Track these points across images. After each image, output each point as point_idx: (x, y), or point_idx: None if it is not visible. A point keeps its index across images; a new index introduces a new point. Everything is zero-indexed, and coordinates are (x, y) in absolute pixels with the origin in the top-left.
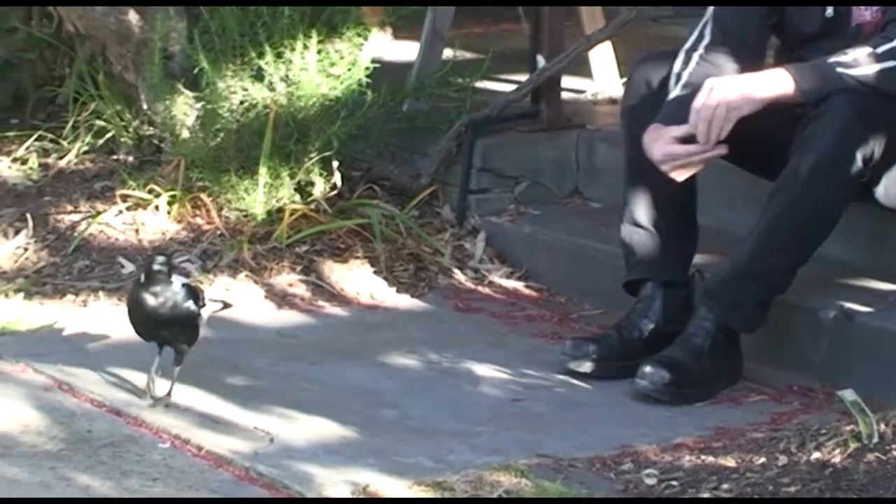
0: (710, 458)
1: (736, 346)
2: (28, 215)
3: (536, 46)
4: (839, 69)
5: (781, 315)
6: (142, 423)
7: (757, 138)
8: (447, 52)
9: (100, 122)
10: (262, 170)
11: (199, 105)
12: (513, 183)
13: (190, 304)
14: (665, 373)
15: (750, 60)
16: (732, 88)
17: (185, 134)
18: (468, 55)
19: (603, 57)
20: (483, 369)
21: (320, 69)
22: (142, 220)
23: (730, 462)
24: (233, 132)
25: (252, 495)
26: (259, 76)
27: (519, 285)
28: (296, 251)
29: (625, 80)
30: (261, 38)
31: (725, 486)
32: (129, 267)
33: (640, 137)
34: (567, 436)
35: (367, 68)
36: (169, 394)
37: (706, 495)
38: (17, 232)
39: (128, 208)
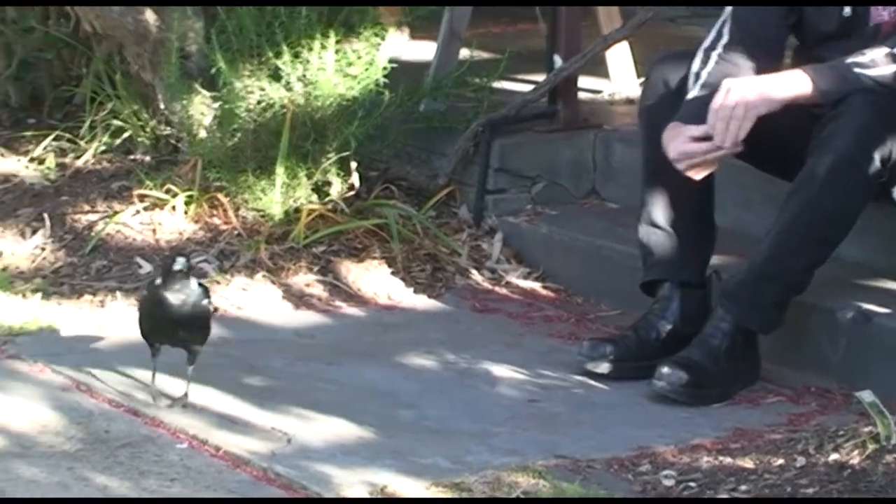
0: (728, 460)
1: (753, 347)
2: (45, 215)
3: (553, 46)
4: (857, 70)
5: (799, 316)
6: (159, 423)
7: (775, 139)
8: (464, 52)
9: (117, 122)
10: (280, 170)
11: (216, 105)
12: (530, 183)
13: (206, 303)
14: (682, 374)
15: (768, 60)
16: (750, 89)
17: (203, 134)
18: (485, 55)
19: (620, 57)
20: (500, 370)
21: (338, 69)
22: (159, 220)
23: (748, 463)
24: (250, 132)
25: (270, 496)
26: (276, 76)
27: (536, 286)
28: (313, 251)
29: (642, 80)
30: (278, 37)
31: (743, 487)
32: (146, 267)
33: (657, 138)
34: (585, 437)
35: (384, 68)
36: (186, 394)
37: (724, 496)
38: (34, 232)
39: (145, 208)
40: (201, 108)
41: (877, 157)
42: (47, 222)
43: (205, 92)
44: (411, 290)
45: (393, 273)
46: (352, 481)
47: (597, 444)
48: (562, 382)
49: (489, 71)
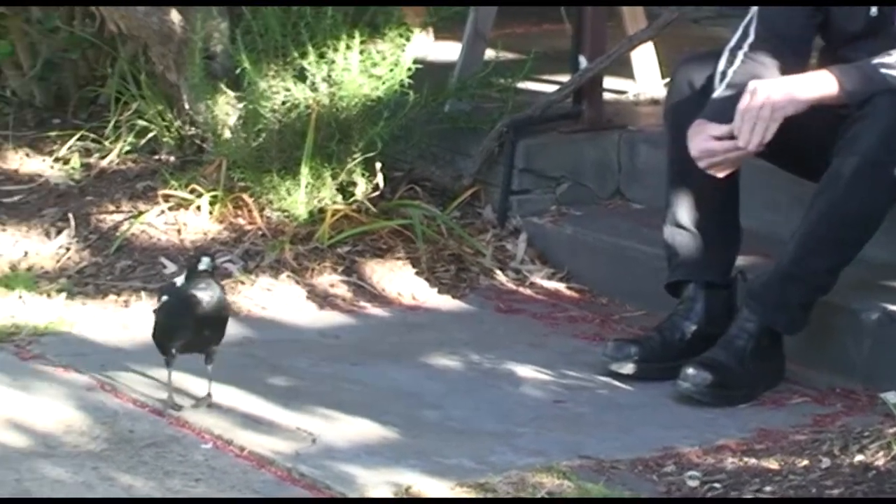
0: (753, 461)
1: (778, 348)
2: (70, 215)
3: (578, 47)
4: (883, 70)
5: (824, 317)
6: (184, 423)
7: (800, 140)
8: (489, 53)
9: (142, 122)
10: (304, 170)
11: (240, 105)
12: (554, 184)
13: (227, 303)
14: (707, 374)
15: (794, 59)
16: (776, 90)
17: (227, 134)
18: (510, 55)
19: (645, 58)
20: (525, 370)
21: (363, 69)
22: (184, 220)
23: (772, 464)
24: (275, 132)
25: (294, 496)
26: (301, 76)
27: (560, 286)
28: (337, 252)
29: (667, 80)
30: (303, 38)
31: (768, 488)
32: (171, 267)
33: (682, 138)
34: (609, 437)
35: (409, 69)
36: (209, 394)
37: (749, 497)
38: (59, 232)
39: (170, 208)
40: (226, 109)
41: None
42: (72, 222)
43: (229, 92)
44: (435, 290)
45: (417, 273)
46: (376, 481)
47: (621, 445)
48: (586, 383)
49: (514, 71)
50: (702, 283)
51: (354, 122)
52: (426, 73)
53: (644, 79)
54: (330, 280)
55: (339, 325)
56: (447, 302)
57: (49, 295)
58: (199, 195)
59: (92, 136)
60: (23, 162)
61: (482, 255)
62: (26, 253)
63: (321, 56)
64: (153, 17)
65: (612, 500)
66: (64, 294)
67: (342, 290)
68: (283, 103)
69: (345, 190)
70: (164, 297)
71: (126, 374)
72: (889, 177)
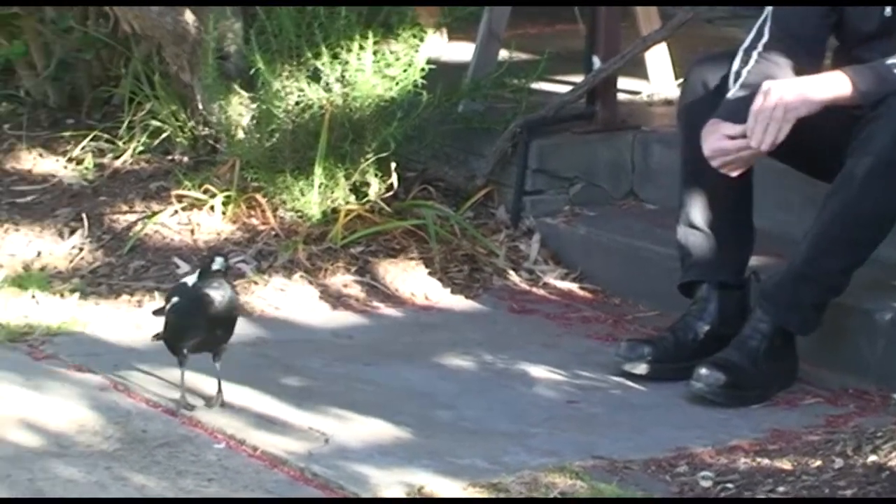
0: (766, 461)
1: (791, 349)
2: (83, 215)
3: (592, 47)
4: None
5: (837, 317)
6: (197, 423)
7: (813, 140)
8: (503, 53)
9: (155, 123)
10: (318, 170)
11: (254, 105)
12: (568, 184)
13: (238, 302)
14: (720, 375)
15: (809, 59)
16: (790, 90)
17: (241, 134)
18: (524, 56)
19: (659, 58)
20: (538, 371)
21: (376, 70)
22: (197, 220)
23: (785, 465)
24: (288, 133)
25: (307, 496)
26: (315, 77)
27: (574, 287)
28: (351, 252)
29: (680, 81)
30: (317, 38)
31: (781, 488)
32: (184, 267)
33: (696, 139)
34: (622, 437)
35: (422, 69)
36: (220, 392)
37: (762, 497)
38: (72, 232)
39: (183, 208)
40: (239, 109)
41: None
42: (85, 222)
43: (243, 92)
44: (449, 290)
45: (430, 273)
46: (389, 482)
47: (634, 445)
48: (599, 383)
49: (528, 72)
50: (715, 284)
51: (368, 122)
52: (440, 73)
53: (658, 79)
54: (343, 280)
55: (353, 326)
56: (460, 302)
57: (62, 295)
58: (213, 195)
59: (105, 136)
60: (36, 162)
61: (495, 255)
62: (39, 253)
63: (335, 56)
64: (167, 18)
65: (624, 500)
66: (77, 294)
67: (355, 291)
68: (297, 104)
69: (358, 190)
70: (175, 298)
71: (139, 374)
72: None
